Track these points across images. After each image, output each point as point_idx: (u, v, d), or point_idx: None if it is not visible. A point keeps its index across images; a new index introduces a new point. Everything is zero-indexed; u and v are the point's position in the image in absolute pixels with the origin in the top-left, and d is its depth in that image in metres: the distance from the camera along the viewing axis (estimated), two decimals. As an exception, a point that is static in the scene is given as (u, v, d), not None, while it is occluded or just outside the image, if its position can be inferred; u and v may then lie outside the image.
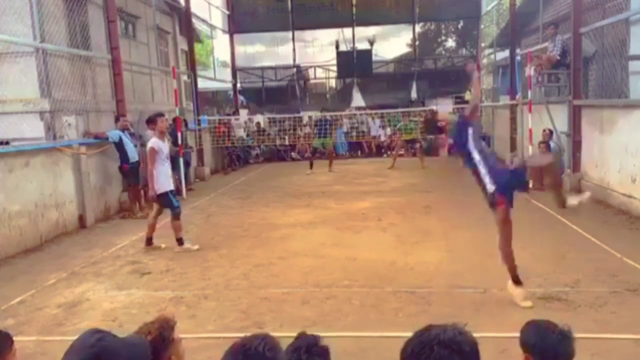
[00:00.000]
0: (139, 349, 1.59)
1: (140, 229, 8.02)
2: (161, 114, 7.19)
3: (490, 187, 4.35)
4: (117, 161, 9.55)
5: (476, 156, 4.41)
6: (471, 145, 4.43)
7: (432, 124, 5.15)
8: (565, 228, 7.10)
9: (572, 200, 4.70)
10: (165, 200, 6.78)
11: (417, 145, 15.79)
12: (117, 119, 9.67)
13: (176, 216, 6.80)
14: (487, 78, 20.63)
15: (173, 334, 2.06)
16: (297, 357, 1.77)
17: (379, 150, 18.97)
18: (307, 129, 17.98)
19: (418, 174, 13.44)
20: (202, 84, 17.33)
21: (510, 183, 4.39)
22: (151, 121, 7.54)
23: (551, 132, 10.74)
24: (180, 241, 6.81)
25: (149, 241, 6.95)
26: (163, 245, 6.96)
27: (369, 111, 20.23)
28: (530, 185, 10.60)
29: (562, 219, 7.50)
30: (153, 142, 6.76)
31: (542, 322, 2.10)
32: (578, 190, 9.38)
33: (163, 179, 6.77)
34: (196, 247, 6.82)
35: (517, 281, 4.51)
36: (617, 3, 8.94)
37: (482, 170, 4.40)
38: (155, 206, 6.98)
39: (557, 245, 6.22)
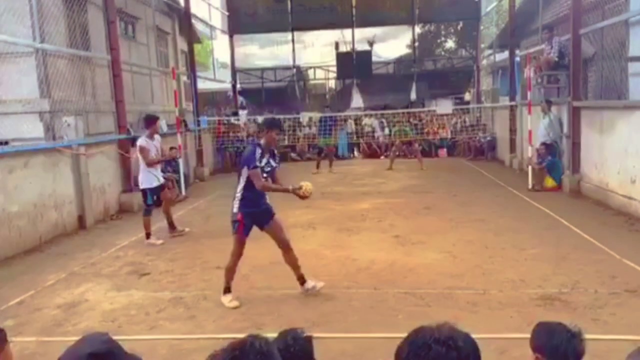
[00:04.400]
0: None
1: (140, 230, 8.03)
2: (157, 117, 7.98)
3: (235, 208, 4.81)
4: (115, 161, 9.57)
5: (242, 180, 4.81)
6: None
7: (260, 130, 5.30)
8: (565, 229, 7.10)
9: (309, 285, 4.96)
10: (143, 195, 7.49)
11: (415, 146, 15.81)
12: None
13: (146, 212, 7.41)
14: (486, 79, 20.64)
15: None
16: (285, 343, 2.01)
17: (377, 151, 18.94)
18: (307, 130, 17.98)
19: (417, 175, 13.44)
20: (201, 84, 17.34)
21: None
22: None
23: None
24: (147, 236, 7.35)
25: (171, 226, 7.75)
26: (187, 229, 7.86)
27: (370, 112, 20.24)
28: (530, 186, 10.68)
29: (562, 221, 7.50)
30: (140, 140, 7.47)
31: (552, 322, 2.15)
32: (577, 191, 9.39)
33: (146, 176, 7.38)
34: (160, 241, 7.26)
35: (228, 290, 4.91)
36: (617, 4, 8.96)
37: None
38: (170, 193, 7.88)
39: (557, 247, 6.22)
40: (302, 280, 4.98)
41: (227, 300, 4.84)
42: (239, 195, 4.81)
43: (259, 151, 4.76)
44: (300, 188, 4.81)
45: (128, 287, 5.44)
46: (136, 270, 6.03)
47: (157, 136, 7.66)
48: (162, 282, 5.60)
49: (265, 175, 4.81)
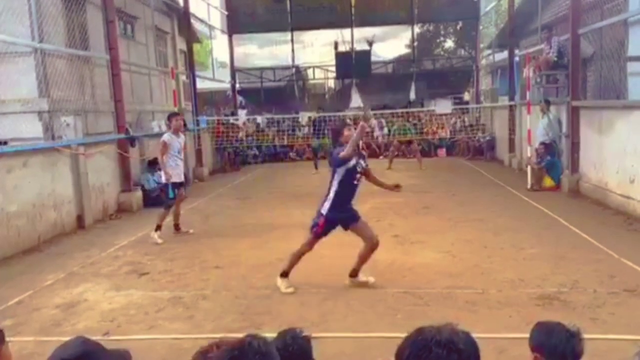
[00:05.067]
0: (120, 356, 1.73)
1: (139, 230, 8.05)
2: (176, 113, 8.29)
3: (324, 209, 4.88)
4: (114, 161, 9.52)
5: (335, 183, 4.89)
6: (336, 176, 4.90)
7: (335, 139, 5.19)
8: (564, 229, 7.10)
9: (363, 277, 5.06)
10: (165, 189, 7.64)
11: (414, 145, 15.79)
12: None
13: (167, 206, 7.56)
14: (485, 79, 20.65)
15: None
16: (283, 342, 2.03)
17: (376, 151, 18.92)
18: (306, 130, 17.98)
19: (416, 175, 13.44)
20: (201, 84, 17.33)
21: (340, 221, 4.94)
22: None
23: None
24: (158, 227, 7.34)
25: (176, 227, 7.78)
26: (191, 231, 7.80)
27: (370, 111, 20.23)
28: (529, 186, 10.68)
29: (561, 220, 7.50)
30: (165, 136, 7.63)
31: (551, 322, 2.16)
32: (576, 191, 9.40)
33: (174, 170, 7.54)
34: (161, 241, 7.24)
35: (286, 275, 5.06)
36: (616, 4, 8.95)
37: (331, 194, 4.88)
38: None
39: (556, 246, 6.22)
40: (355, 273, 5.05)
41: (283, 285, 4.98)
42: (330, 195, 4.89)
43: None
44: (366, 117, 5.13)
45: (127, 287, 5.44)
46: (135, 270, 6.03)
47: (181, 134, 7.85)
48: (161, 281, 5.60)
49: (357, 175, 4.93)
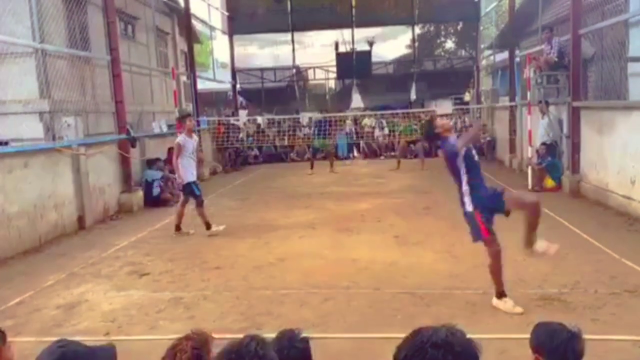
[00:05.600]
0: (103, 352, 1.75)
1: (140, 230, 8.05)
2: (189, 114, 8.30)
3: (469, 207, 4.46)
4: (115, 161, 9.51)
5: (463, 177, 4.48)
6: (461, 170, 4.49)
7: (429, 131, 4.80)
8: (565, 229, 7.10)
9: (540, 246, 4.47)
10: (189, 190, 7.59)
11: (419, 145, 15.79)
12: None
13: (199, 204, 7.64)
14: (486, 79, 20.65)
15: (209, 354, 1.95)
16: (280, 345, 2.01)
17: (376, 151, 18.94)
18: (307, 130, 17.99)
19: (418, 175, 13.45)
20: (201, 85, 17.35)
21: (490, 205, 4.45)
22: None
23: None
24: (207, 225, 7.57)
25: (177, 227, 7.72)
26: (192, 231, 7.76)
27: (369, 112, 20.25)
28: (530, 186, 10.65)
29: (562, 221, 7.49)
30: (179, 138, 7.67)
31: (552, 322, 2.15)
32: (576, 191, 9.39)
33: (186, 171, 7.56)
34: (222, 226, 7.62)
35: (503, 294, 4.44)
36: (616, 5, 8.96)
37: (464, 188, 4.47)
38: (182, 196, 7.91)
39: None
40: (530, 244, 4.50)
41: (508, 306, 4.35)
42: (465, 188, 4.45)
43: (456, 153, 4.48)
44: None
45: (128, 288, 5.44)
46: (136, 271, 6.03)
47: (194, 134, 7.92)
48: (161, 282, 5.60)
49: (474, 152, 4.53)
